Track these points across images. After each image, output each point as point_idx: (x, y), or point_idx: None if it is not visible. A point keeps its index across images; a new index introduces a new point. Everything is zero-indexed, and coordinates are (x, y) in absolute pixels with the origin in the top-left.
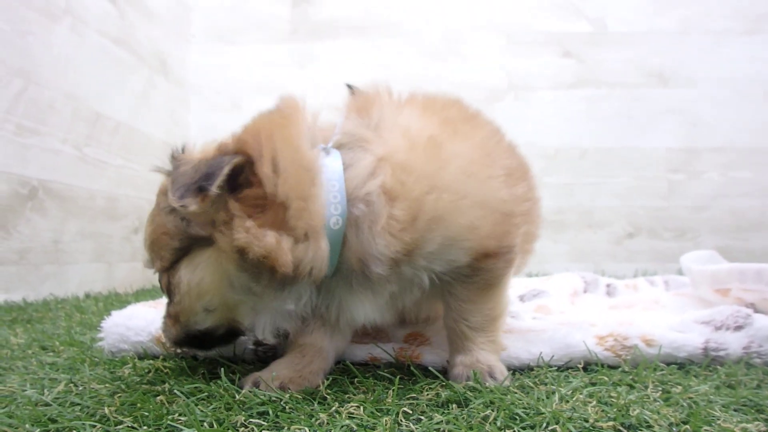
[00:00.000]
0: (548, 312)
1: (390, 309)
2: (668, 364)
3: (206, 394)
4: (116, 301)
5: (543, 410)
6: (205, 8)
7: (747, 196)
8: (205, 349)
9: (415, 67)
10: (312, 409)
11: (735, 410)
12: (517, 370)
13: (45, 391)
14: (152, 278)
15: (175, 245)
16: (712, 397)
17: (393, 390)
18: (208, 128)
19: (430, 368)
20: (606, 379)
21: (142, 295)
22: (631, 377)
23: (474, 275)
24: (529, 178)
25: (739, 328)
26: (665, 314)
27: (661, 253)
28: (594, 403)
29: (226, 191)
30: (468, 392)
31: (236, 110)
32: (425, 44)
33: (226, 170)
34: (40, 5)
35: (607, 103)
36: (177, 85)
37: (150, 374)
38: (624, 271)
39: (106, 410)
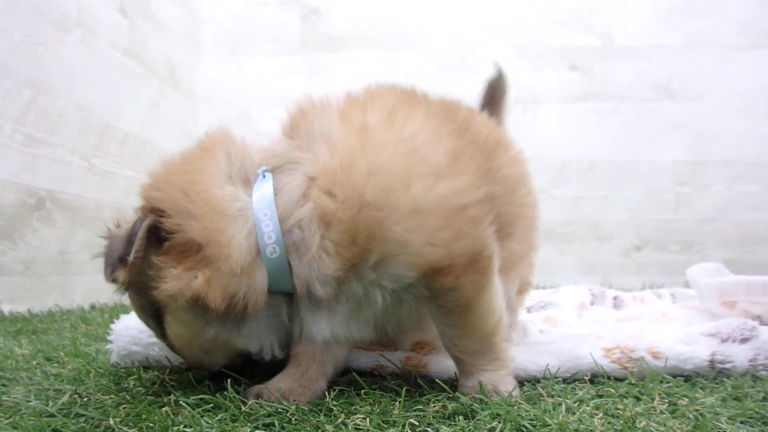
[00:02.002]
0: (556, 323)
1: (357, 325)
2: (675, 377)
3: (212, 405)
4: (122, 312)
5: (549, 422)
6: (215, 20)
7: (754, 209)
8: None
9: (424, 79)
10: (318, 421)
11: (741, 422)
12: (524, 382)
13: (50, 402)
14: None
15: (149, 314)
16: (718, 409)
17: (399, 401)
18: None
19: (436, 380)
20: (612, 391)
21: None
22: (637, 389)
23: (438, 297)
24: (495, 155)
25: (745, 340)
26: (672, 327)
27: (668, 265)
28: (600, 415)
29: (152, 250)
30: (474, 404)
31: (246, 121)
32: (434, 56)
33: (140, 235)
34: (52, 17)
35: (614, 116)
36: (187, 97)
37: (155, 385)
38: (631, 283)
39: (111, 421)
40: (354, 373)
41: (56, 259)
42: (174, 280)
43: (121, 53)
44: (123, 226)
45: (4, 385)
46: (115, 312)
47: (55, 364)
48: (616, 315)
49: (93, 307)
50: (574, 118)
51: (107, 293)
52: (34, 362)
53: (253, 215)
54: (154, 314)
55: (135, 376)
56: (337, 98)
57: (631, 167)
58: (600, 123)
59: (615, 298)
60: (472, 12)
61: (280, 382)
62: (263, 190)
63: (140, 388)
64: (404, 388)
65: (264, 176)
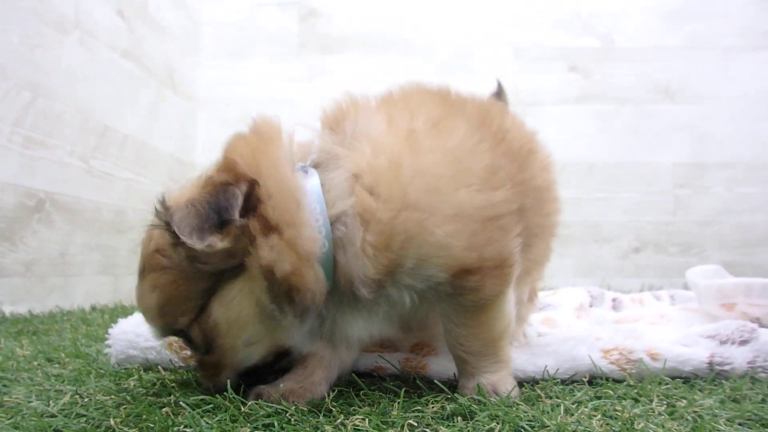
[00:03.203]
0: (555, 325)
1: (389, 325)
2: (673, 378)
3: (211, 405)
4: (122, 313)
5: (548, 423)
6: (214, 23)
7: (753, 212)
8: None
9: (425, 79)
10: (317, 421)
11: (740, 424)
12: (523, 383)
13: (51, 402)
14: None
15: (199, 290)
16: (716, 411)
17: (398, 402)
18: (217, 143)
19: (435, 381)
20: (611, 392)
21: None
22: (636, 391)
23: (460, 295)
24: (527, 164)
25: (744, 342)
26: (671, 328)
27: (667, 267)
28: (599, 416)
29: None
30: (473, 405)
31: (245, 124)
32: (434, 59)
33: (241, 196)
34: (50, 18)
35: (614, 118)
36: (186, 99)
37: (155, 386)
38: (630, 285)
39: (112, 422)
40: (353, 375)
41: (56, 261)
42: (270, 250)
43: (119, 55)
44: (182, 199)
45: (5, 386)
46: (116, 313)
47: (56, 365)
48: (615, 316)
49: (93, 309)
50: (574, 119)
51: (107, 295)
52: (35, 363)
53: (308, 204)
54: (207, 289)
55: (135, 377)
56: (376, 99)
57: (630, 169)
58: (600, 125)
59: (614, 299)
60: (472, 14)
61: (282, 382)
62: (311, 183)
63: (140, 389)
64: (403, 389)
65: (306, 171)
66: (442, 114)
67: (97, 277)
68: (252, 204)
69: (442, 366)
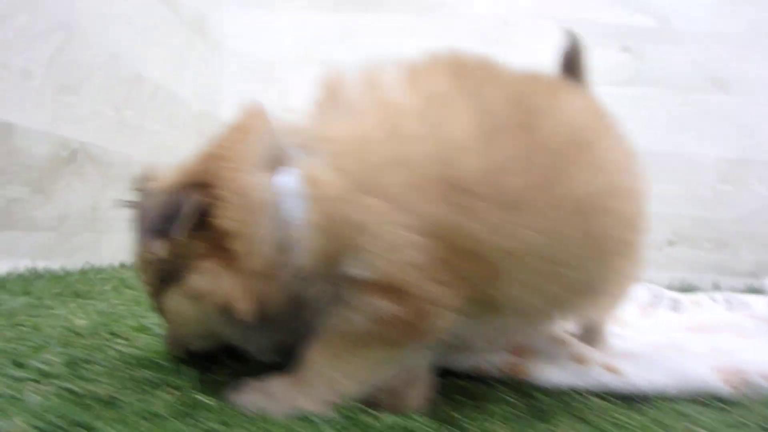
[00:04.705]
0: (623, 324)
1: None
2: None
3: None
4: None
5: None
6: None
7: None
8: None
9: (462, 48)
10: None
11: None
12: (636, 400)
13: (149, 397)
14: None
15: (155, 277)
16: None
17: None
18: (243, 98)
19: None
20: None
21: None
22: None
23: (353, 309)
24: (572, 172)
25: None
26: (759, 344)
27: (699, 263)
28: None
29: (191, 228)
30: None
31: (272, 81)
32: (476, 26)
33: (192, 210)
34: None
35: (661, 104)
36: (213, 50)
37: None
38: (661, 278)
39: None
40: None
41: (87, 216)
42: (204, 275)
43: None
44: (160, 184)
45: (84, 368)
46: None
47: (123, 342)
48: (684, 322)
49: (123, 266)
50: (620, 102)
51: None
52: (100, 337)
53: (278, 205)
54: (159, 279)
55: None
56: (381, 68)
57: (672, 159)
58: (646, 110)
59: (673, 300)
60: None
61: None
62: (289, 175)
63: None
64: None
65: (292, 156)
66: (445, 90)
67: (124, 234)
68: (204, 219)
69: (549, 372)
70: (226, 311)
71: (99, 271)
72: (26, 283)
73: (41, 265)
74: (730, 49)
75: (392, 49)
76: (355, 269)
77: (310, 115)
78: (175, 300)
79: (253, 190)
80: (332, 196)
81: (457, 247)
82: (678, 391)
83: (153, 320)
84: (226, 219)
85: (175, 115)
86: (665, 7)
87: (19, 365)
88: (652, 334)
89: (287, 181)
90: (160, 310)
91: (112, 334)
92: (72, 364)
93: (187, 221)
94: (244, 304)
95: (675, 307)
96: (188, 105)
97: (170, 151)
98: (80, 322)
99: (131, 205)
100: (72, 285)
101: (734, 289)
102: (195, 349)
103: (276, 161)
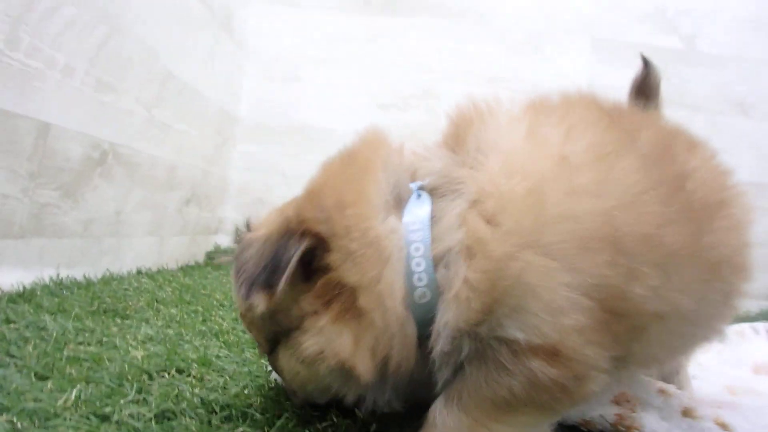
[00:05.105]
0: (699, 365)
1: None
2: None
3: None
4: (171, 282)
5: None
6: None
7: None
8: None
9: (491, 58)
10: None
11: None
12: None
13: None
14: (198, 255)
15: (264, 336)
16: None
17: None
18: (263, 99)
19: None
20: None
21: (187, 270)
22: None
23: (508, 372)
24: (711, 233)
25: None
26: None
27: None
28: None
29: (297, 280)
30: None
31: (295, 82)
32: (506, 37)
33: (295, 260)
34: None
35: (686, 126)
36: (237, 47)
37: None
38: None
39: None
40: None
41: (112, 220)
42: (317, 336)
43: None
44: (261, 232)
45: (174, 423)
46: (175, 285)
47: (195, 382)
48: (743, 358)
49: (139, 272)
50: None
51: (152, 257)
52: (169, 377)
53: (405, 248)
54: (270, 340)
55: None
56: (514, 104)
57: None
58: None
59: None
60: None
61: None
62: (418, 216)
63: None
64: None
65: (419, 195)
66: (609, 142)
67: (145, 238)
68: (314, 268)
69: (661, 428)
70: (344, 372)
71: (121, 280)
72: (54, 296)
73: (64, 273)
74: (753, 74)
75: (419, 54)
76: (516, 331)
77: (440, 151)
78: (288, 361)
79: (386, 240)
80: (497, 254)
81: (615, 310)
82: None
83: (211, 349)
84: (350, 272)
85: (198, 114)
86: (692, 28)
87: (105, 418)
88: (724, 377)
89: (417, 228)
90: (274, 367)
91: (180, 372)
92: (161, 418)
93: (290, 272)
94: (364, 365)
95: (721, 339)
96: (209, 103)
97: (193, 152)
98: (137, 354)
99: (231, 259)
100: (102, 299)
101: (748, 311)
102: (318, 402)
103: (399, 202)
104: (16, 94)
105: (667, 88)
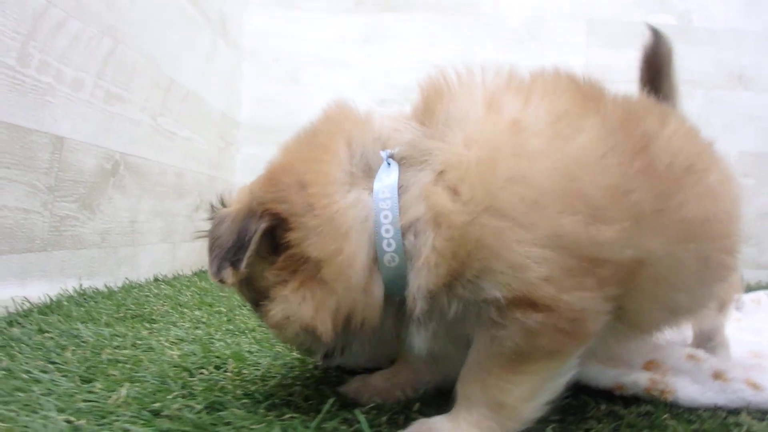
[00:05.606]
0: None
1: (444, 340)
2: None
3: None
4: (189, 286)
5: None
6: None
7: None
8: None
9: (490, 48)
10: None
11: None
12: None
13: None
14: None
15: (249, 300)
16: None
17: None
18: (262, 101)
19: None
20: None
21: (201, 275)
22: None
23: (503, 328)
24: (678, 188)
25: None
26: None
27: None
28: None
29: (264, 255)
30: None
31: (293, 83)
32: (503, 26)
33: (255, 239)
34: None
35: (686, 101)
36: (234, 50)
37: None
38: None
39: None
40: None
41: (127, 229)
42: (283, 303)
43: None
44: (233, 208)
45: (226, 413)
46: (193, 290)
47: (235, 377)
48: (761, 323)
49: (156, 279)
50: None
51: (166, 264)
52: (208, 372)
53: (373, 216)
54: (254, 304)
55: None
56: (487, 76)
57: None
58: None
59: (736, 299)
60: None
61: (374, 380)
62: (386, 183)
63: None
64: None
65: (389, 164)
66: (569, 107)
67: (159, 245)
68: (278, 242)
69: (694, 392)
70: (308, 333)
71: (140, 288)
72: (80, 306)
73: (87, 283)
74: (750, 47)
75: (417, 49)
76: (493, 290)
77: (409, 123)
78: (270, 311)
79: (346, 215)
80: (458, 222)
81: (588, 256)
82: None
83: (242, 346)
84: (312, 247)
85: (202, 119)
86: (686, 4)
87: (156, 413)
88: (747, 343)
89: (386, 196)
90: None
91: (217, 368)
92: (210, 410)
93: (251, 251)
94: (324, 327)
95: (738, 306)
96: (211, 107)
97: (198, 158)
98: (173, 353)
99: (205, 233)
100: (127, 306)
101: (759, 281)
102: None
103: (368, 172)
104: (31, 110)
105: None
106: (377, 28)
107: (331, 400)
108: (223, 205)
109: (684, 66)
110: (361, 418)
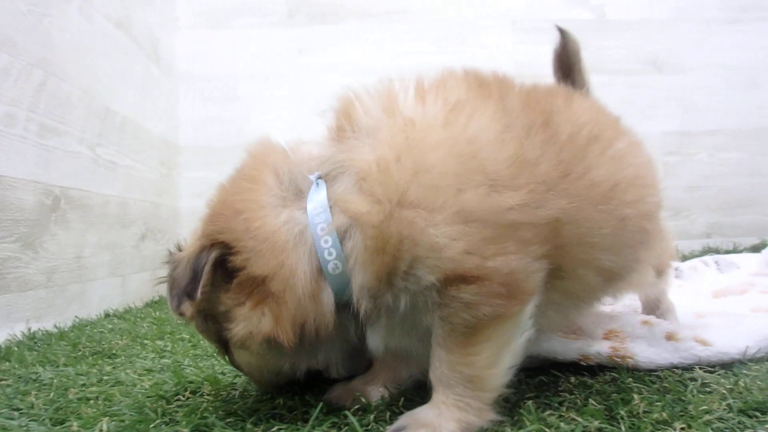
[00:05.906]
0: None
1: (404, 335)
2: None
3: None
4: (144, 318)
5: None
6: None
7: (734, 176)
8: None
9: (421, 54)
10: None
11: None
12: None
13: None
14: (161, 289)
15: (215, 340)
16: None
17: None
18: (201, 122)
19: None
20: None
21: (155, 306)
22: None
23: (447, 307)
24: (583, 156)
25: None
26: None
27: None
28: None
29: (220, 284)
30: None
31: (231, 102)
32: (432, 31)
33: (207, 269)
34: None
35: (608, 90)
36: (168, 75)
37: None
38: None
39: None
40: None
41: (73, 266)
42: (243, 321)
43: (113, 26)
44: (186, 251)
45: None
46: (147, 324)
47: (208, 397)
48: (699, 290)
49: (107, 315)
50: None
51: (116, 298)
52: (195, 398)
53: (310, 231)
54: (220, 341)
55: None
56: (392, 85)
57: None
58: (596, 97)
59: (676, 268)
60: None
61: (355, 384)
62: (317, 201)
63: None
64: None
65: (317, 184)
66: (464, 97)
67: (108, 280)
68: (230, 269)
69: (651, 354)
70: (272, 345)
71: (92, 325)
72: (32, 350)
73: (35, 326)
74: (660, 34)
75: (350, 58)
76: (426, 276)
77: (327, 143)
78: (238, 354)
79: (280, 232)
80: (378, 221)
81: (505, 221)
82: (762, 353)
83: (214, 369)
84: (256, 266)
85: (142, 146)
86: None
87: None
88: (690, 305)
89: (318, 211)
90: (235, 366)
91: (194, 393)
92: None
93: (205, 280)
94: (285, 334)
95: (678, 275)
96: (150, 134)
97: (142, 185)
98: (144, 383)
99: (164, 278)
100: (83, 344)
101: (692, 251)
102: (281, 383)
103: (299, 194)
104: None
105: (585, 57)
106: (311, 40)
107: (318, 406)
108: (179, 250)
109: (604, 56)
110: (352, 418)
